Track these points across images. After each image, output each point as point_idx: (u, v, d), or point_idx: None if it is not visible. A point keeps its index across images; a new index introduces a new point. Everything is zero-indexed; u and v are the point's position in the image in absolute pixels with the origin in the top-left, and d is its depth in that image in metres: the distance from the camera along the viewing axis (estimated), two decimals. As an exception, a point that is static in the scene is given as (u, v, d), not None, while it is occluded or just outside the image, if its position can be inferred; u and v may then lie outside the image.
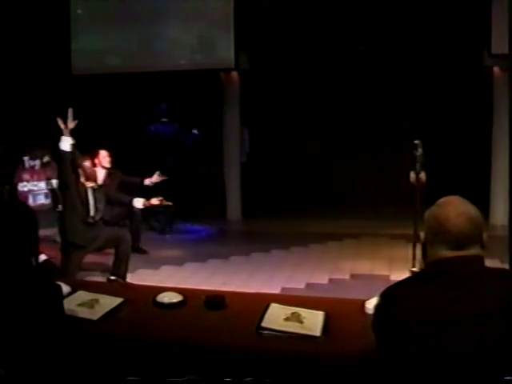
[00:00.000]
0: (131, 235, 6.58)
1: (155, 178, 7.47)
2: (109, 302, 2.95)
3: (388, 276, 6.30)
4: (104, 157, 7.36)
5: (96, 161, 7.15)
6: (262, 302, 2.90)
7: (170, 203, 6.69)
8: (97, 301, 2.96)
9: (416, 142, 3.82)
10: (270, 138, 10.95)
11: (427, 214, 2.09)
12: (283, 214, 10.03)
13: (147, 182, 7.49)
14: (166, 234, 8.92)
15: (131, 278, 5.95)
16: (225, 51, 9.36)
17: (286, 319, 2.70)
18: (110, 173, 7.42)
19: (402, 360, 1.87)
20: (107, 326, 2.74)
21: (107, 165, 7.38)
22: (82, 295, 3.04)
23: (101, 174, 6.99)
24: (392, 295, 1.99)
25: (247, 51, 9.67)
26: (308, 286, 6.28)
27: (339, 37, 9.93)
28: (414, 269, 5.66)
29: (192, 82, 9.84)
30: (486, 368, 1.80)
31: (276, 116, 10.95)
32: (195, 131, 9.50)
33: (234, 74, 9.82)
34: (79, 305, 2.89)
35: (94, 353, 2.56)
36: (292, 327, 2.63)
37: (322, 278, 6.51)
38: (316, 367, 2.41)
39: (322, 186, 11.02)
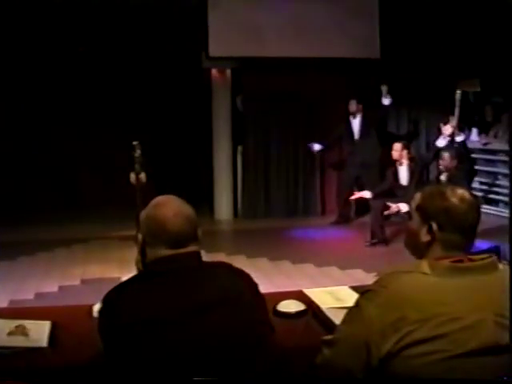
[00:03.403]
0: None
1: None
2: None
3: (119, 278, 6.28)
4: None
5: None
6: (-15, 319, 2.75)
7: None
8: None
9: (134, 143, 3.88)
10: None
11: (144, 215, 2.14)
12: (6, 222, 9.46)
13: None
14: None
15: None
16: None
17: (10, 333, 2.60)
18: None
19: (127, 361, 1.91)
20: None
21: None
22: None
23: None
24: (112, 298, 2.02)
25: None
26: (37, 295, 6.07)
27: (58, 37, 9.66)
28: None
29: None
30: (214, 357, 1.89)
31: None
32: None
33: None
34: None
35: None
36: (17, 341, 2.54)
37: (52, 287, 6.35)
38: (45, 379, 2.36)
39: (45, 191, 10.60)
